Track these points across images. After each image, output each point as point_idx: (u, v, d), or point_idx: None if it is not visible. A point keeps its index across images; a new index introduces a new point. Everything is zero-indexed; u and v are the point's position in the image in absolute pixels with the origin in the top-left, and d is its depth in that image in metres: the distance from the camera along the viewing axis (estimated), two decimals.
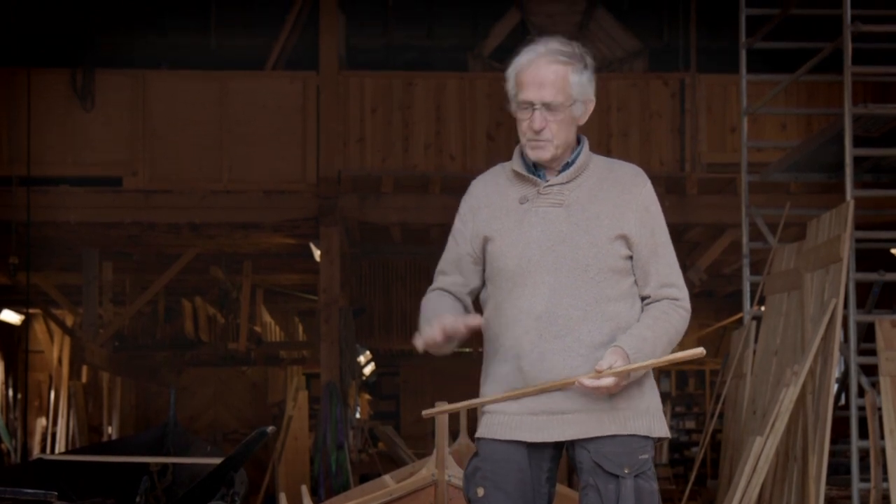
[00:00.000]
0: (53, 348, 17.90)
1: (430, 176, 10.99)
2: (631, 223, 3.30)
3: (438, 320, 3.23)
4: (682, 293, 3.37)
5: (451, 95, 11.30)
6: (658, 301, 3.33)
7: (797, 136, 11.04)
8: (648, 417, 3.30)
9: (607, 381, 3.17)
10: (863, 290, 7.71)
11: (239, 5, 13.02)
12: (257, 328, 15.88)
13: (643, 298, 3.35)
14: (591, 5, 11.81)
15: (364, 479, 10.87)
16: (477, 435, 3.39)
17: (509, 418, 3.30)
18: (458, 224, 3.44)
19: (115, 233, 11.81)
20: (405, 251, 13.36)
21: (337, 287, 11.06)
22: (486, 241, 3.36)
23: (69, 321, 15.82)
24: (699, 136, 11.30)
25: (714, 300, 16.83)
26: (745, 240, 8.80)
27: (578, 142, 3.38)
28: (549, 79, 3.25)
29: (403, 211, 11.13)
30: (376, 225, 11.57)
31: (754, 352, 8.16)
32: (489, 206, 3.38)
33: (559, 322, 3.25)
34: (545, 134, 3.27)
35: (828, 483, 7.20)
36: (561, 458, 3.37)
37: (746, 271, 8.67)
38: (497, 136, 11.25)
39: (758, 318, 8.36)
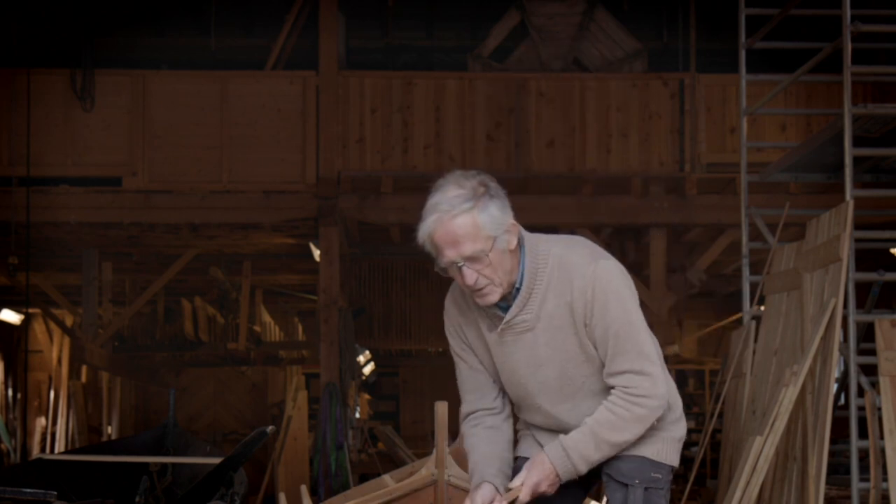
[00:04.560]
0: (53, 348, 17.91)
1: (429, 177, 10.87)
2: (587, 314, 3.24)
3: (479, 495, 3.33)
4: (638, 380, 3.25)
5: (450, 96, 11.29)
6: (612, 395, 3.29)
7: (797, 136, 11.03)
8: (662, 443, 3.38)
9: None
10: (862, 290, 7.70)
11: (239, 6, 13.02)
12: (257, 328, 15.88)
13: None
14: (591, 6, 11.79)
15: (364, 479, 10.87)
16: (515, 453, 3.53)
17: (538, 436, 3.48)
18: (453, 343, 3.48)
19: (115, 233, 11.81)
20: (404, 252, 13.36)
21: (336, 287, 11.06)
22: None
23: (69, 321, 15.83)
24: (699, 137, 11.29)
25: (714, 300, 16.82)
26: (744, 240, 8.78)
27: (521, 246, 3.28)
28: (460, 233, 3.18)
29: (403, 211, 11.13)
30: (376, 225, 11.57)
31: (754, 352, 8.15)
32: (468, 327, 3.42)
33: (563, 414, 3.40)
34: (481, 283, 3.21)
35: (828, 483, 7.20)
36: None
37: (746, 271, 8.66)
38: (497, 137, 11.24)
39: (757, 318, 8.35)
